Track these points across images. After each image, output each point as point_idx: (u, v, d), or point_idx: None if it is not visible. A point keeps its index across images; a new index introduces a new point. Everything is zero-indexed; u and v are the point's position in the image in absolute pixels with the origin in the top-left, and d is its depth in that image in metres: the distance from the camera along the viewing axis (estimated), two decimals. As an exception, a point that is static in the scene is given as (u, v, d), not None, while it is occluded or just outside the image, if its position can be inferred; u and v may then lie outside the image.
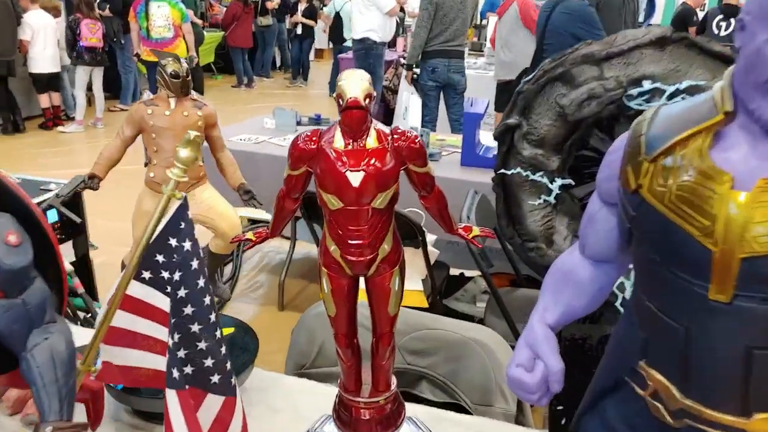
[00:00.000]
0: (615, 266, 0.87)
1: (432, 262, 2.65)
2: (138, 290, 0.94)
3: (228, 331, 1.40)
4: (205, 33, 9.94)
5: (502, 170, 1.09)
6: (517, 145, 1.06)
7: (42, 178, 3.17)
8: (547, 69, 1.06)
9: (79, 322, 2.80)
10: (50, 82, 7.19)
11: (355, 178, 0.98)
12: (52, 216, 2.99)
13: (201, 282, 0.92)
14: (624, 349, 0.79)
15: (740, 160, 0.67)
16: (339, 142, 1.00)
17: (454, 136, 3.88)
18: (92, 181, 1.50)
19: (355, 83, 0.95)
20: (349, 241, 1.03)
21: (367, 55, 6.34)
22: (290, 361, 1.78)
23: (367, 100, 0.96)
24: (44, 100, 7.26)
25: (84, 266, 3.12)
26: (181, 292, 0.91)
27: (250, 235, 1.17)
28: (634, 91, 0.99)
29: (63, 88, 7.54)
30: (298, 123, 3.92)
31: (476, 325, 1.64)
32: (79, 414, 0.91)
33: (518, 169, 1.08)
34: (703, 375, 0.71)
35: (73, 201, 3.05)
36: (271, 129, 3.84)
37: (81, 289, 2.87)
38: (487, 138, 3.42)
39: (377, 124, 1.01)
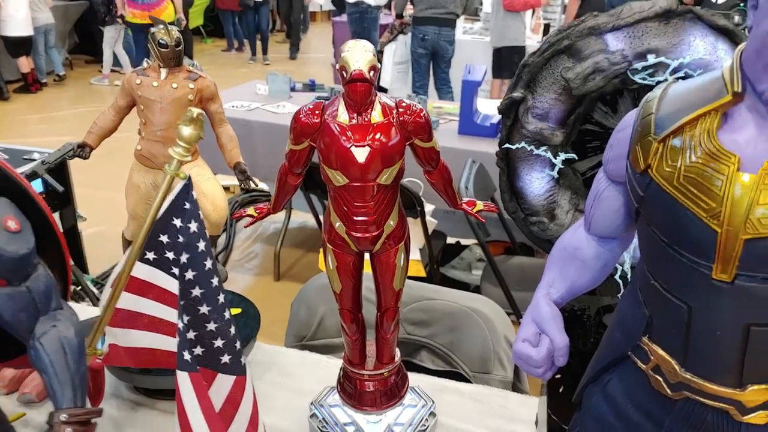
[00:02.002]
0: (619, 243, 0.87)
1: (430, 231, 2.66)
2: (142, 271, 0.93)
3: (236, 311, 1.39)
4: (193, -6, 9.70)
5: (507, 144, 1.08)
6: (521, 119, 1.05)
7: (25, 147, 3.11)
8: (553, 42, 1.04)
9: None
10: (24, 45, 7.00)
11: (361, 154, 0.96)
12: (38, 186, 2.94)
13: (208, 263, 0.91)
14: (628, 326, 0.80)
15: (747, 141, 0.66)
16: (343, 116, 0.97)
17: (451, 103, 3.84)
18: (83, 150, 1.44)
19: (359, 54, 0.91)
20: (355, 218, 1.01)
21: (362, 18, 6.23)
22: (291, 333, 1.79)
23: (372, 72, 0.93)
24: (24, 64, 7.09)
25: (72, 238, 3.09)
26: (189, 275, 0.90)
27: (251, 210, 1.16)
28: (638, 65, 0.97)
29: (36, 51, 7.31)
30: (292, 89, 3.87)
31: (475, 296, 1.65)
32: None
33: (522, 144, 1.07)
34: (703, 350, 0.73)
35: (60, 170, 3.01)
36: (264, 95, 3.78)
37: (71, 262, 2.86)
38: (484, 106, 3.40)
39: (382, 97, 0.99)
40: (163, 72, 1.37)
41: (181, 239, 0.89)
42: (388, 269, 1.07)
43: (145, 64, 1.45)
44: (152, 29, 1.36)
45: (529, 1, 5.44)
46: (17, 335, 0.86)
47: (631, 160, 0.75)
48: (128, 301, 0.95)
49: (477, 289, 2.85)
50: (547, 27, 6.74)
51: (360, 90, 0.93)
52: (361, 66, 0.91)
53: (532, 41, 6.27)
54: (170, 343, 0.97)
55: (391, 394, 1.17)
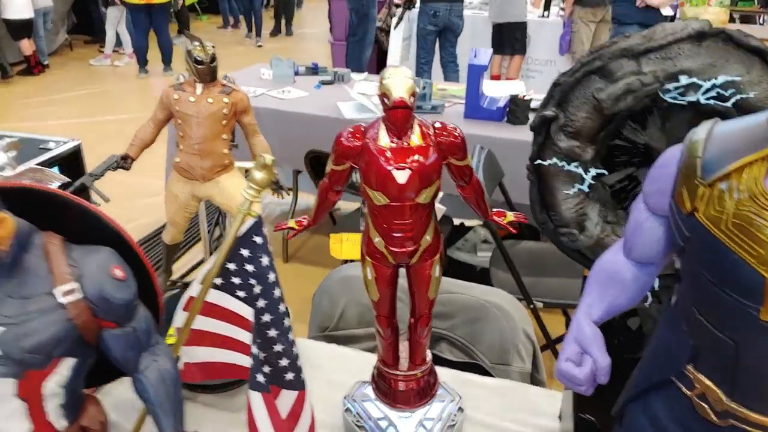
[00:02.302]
0: (657, 267, 0.90)
1: (438, 218, 2.70)
2: (211, 295, 1.01)
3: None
4: (188, -30, 9.56)
5: (539, 161, 1.12)
6: (553, 136, 1.09)
7: (41, 136, 3.15)
8: (585, 62, 1.07)
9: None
10: (25, 28, 6.99)
11: (401, 176, 1.01)
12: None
13: (277, 292, 0.99)
14: (672, 353, 0.83)
15: None
16: (384, 139, 1.02)
17: (456, 85, 3.85)
18: (125, 161, 1.48)
19: (401, 82, 0.96)
20: (394, 234, 1.07)
21: (361, -5, 6.17)
22: (313, 324, 1.85)
23: (412, 99, 0.97)
24: (26, 47, 7.09)
25: None
26: (261, 303, 0.99)
27: (291, 223, 1.21)
28: (670, 86, 1.01)
29: (36, 33, 7.32)
30: (296, 73, 3.87)
31: (494, 289, 1.70)
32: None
33: (554, 160, 1.11)
34: (749, 383, 0.75)
35: (75, 158, 3.06)
36: (268, 80, 3.78)
37: (162, 298, 2.90)
38: (490, 88, 3.40)
39: (419, 119, 1.03)
40: (199, 87, 1.40)
41: (251, 270, 0.95)
42: (424, 280, 1.12)
43: (180, 79, 1.47)
44: (188, 46, 1.38)
45: (530, -25, 5.40)
46: (124, 369, 0.94)
47: (677, 201, 0.77)
48: (198, 322, 1.01)
49: (483, 272, 2.90)
50: (548, 2, 6.70)
51: (401, 116, 0.97)
52: (402, 94, 0.95)
53: (533, 15, 6.25)
54: (238, 358, 1.04)
55: (423, 393, 1.23)
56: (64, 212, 0.90)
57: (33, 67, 7.22)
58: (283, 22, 9.88)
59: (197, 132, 1.35)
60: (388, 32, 6.96)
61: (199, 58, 1.36)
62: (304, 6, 11.72)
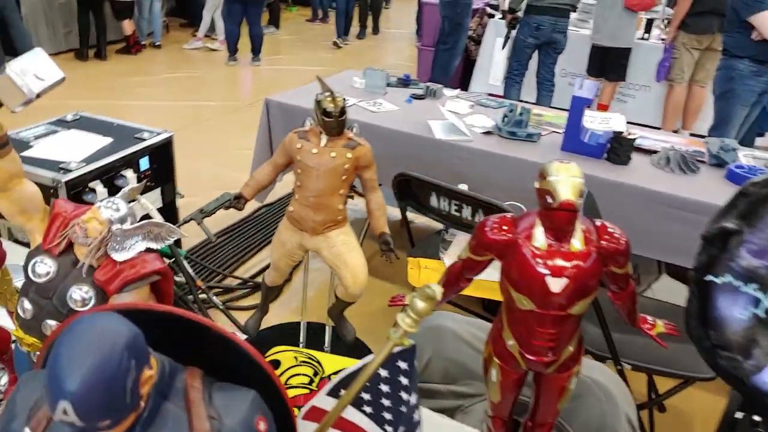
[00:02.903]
0: None
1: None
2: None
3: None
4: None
5: (710, 277, 0.99)
6: (731, 251, 0.96)
7: (135, 124, 3.21)
8: (782, 175, 0.94)
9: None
10: (129, 9, 7.26)
11: (556, 284, 0.90)
12: (144, 163, 3.05)
13: (416, 416, 0.93)
14: None
15: None
16: (540, 239, 0.92)
17: (552, 112, 3.69)
18: (238, 201, 1.39)
19: (568, 182, 0.85)
20: (533, 342, 0.96)
21: (456, 4, 6.03)
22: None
23: (580, 200, 0.86)
24: (128, 26, 7.35)
25: (170, 212, 3.21)
26: (401, 430, 0.93)
27: (409, 300, 1.12)
28: None
29: (139, 14, 7.65)
30: (388, 84, 3.80)
31: (597, 364, 1.57)
32: None
33: (729, 278, 0.98)
34: None
35: (165, 147, 3.10)
36: (359, 90, 3.73)
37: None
38: (590, 121, 3.23)
39: (581, 220, 0.92)
40: (324, 139, 1.30)
41: (383, 388, 0.88)
42: (556, 391, 1.02)
43: (307, 124, 1.38)
44: (317, 95, 1.29)
45: (650, 3, 5.12)
46: None
47: None
48: None
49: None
50: (649, 23, 6.39)
51: (566, 218, 0.86)
52: (570, 196, 0.85)
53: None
54: None
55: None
56: (206, 339, 0.81)
57: (131, 46, 7.46)
58: (368, 21, 9.82)
59: (315, 185, 1.27)
60: (477, 42, 6.83)
61: (328, 110, 1.25)
62: (394, 5, 11.67)
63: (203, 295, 2.99)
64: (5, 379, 1.08)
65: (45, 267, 0.90)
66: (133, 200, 0.97)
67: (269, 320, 2.38)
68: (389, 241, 1.28)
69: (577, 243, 0.89)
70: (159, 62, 7.54)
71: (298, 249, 1.34)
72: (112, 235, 0.89)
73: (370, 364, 0.83)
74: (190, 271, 2.95)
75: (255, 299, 3.22)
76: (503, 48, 5.40)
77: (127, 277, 0.89)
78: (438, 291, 0.78)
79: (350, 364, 1.41)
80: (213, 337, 0.79)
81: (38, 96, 1.00)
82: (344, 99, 1.27)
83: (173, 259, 2.97)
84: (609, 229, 0.90)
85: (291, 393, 1.36)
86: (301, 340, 1.49)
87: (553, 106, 5.07)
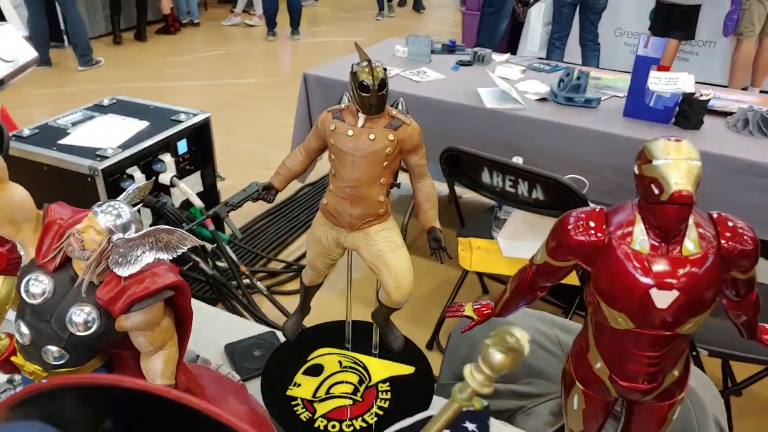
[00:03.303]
0: None
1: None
2: None
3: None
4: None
5: None
6: None
7: (172, 106, 3.11)
8: None
9: (207, 257, 2.79)
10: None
11: (663, 298, 0.70)
12: (183, 146, 2.95)
13: None
14: None
15: None
16: (641, 240, 0.71)
17: (611, 74, 3.41)
18: (268, 192, 1.16)
19: (682, 166, 0.63)
20: (628, 366, 0.77)
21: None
22: (447, 368, 1.62)
23: (696, 190, 0.65)
24: (165, 5, 7.29)
25: (211, 196, 3.12)
26: None
27: (469, 311, 0.94)
28: None
29: None
30: (433, 52, 3.58)
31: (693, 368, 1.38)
32: None
33: None
34: None
35: (204, 128, 2.99)
36: (402, 58, 3.53)
37: (211, 227, 2.85)
38: (655, 82, 2.95)
39: (696, 215, 0.71)
40: (361, 118, 1.07)
41: None
42: (653, 422, 0.83)
43: (345, 101, 1.14)
44: (354, 65, 1.07)
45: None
46: None
47: None
48: None
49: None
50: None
51: (676, 214, 0.65)
52: (685, 185, 0.63)
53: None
54: None
55: None
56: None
57: (170, 25, 7.41)
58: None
59: (351, 173, 1.06)
60: (525, 3, 6.46)
61: (365, 83, 1.01)
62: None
63: (247, 281, 2.90)
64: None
65: (40, 286, 0.77)
66: (139, 203, 0.82)
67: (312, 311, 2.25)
68: (440, 238, 1.06)
69: (690, 245, 0.68)
70: (198, 41, 7.46)
71: (335, 247, 1.17)
72: (113, 247, 0.74)
73: (432, 427, 0.66)
74: (233, 256, 2.87)
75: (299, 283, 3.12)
76: (530, 6, 5.07)
77: (134, 294, 0.75)
78: (526, 341, 0.58)
79: (400, 370, 1.26)
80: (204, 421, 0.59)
81: (2, 82, 0.86)
82: (385, 69, 1.06)
83: (216, 244, 2.89)
84: (730, 224, 0.68)
85: (333, 404, 1.23)
86: (347, 342, 1.33)
87: (602, 68, 4.75)
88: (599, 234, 0.70)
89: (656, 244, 0.68)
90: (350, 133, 1.06)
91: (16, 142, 2.57)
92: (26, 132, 2.67)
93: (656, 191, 0.65)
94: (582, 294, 1.00)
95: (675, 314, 0.68)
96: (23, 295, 0.77)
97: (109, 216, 0.74)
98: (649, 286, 0.67)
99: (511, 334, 0.59)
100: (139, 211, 0.79)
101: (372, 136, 1.05)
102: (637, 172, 0.67)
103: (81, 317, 0.75)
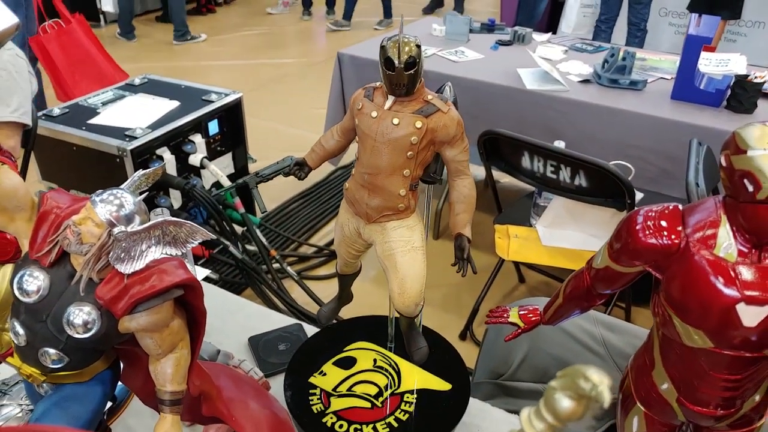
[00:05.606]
0: None
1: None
2: None
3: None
4: None
5: None
6: None
7: (203, 86, 3.05)
8: None
9: (237, 240, 2.73)
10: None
11: (752, 315, 0.59)
12: (214, 127, 2.90)
13: None
14: None
15: None
16: (727, 245, 0.59)
17: (657, 55, 3.23)
18: (301, 168, 1.04)
19: None
20: (701, 389, 0.67)
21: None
22: (483, 365, 1.53)
23: None
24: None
25: (242, 177, 3.07)
26: None
27: (515, 317, 0.84)
28: None
29: None
30: (471, 31, 3.45)
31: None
32: None
33: None
34: None
35: (235, 109, 2.93)
36: (440, 37, 3.40)
37: (242, 210, 2.80)
38: (706, 63, 2.78)
39: None
40: (390, 100, 0.94)
41: None
42: None
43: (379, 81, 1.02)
44: (383, 39, 0.97)
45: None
46: None
47: None
48: None
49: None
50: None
51: None
52: None
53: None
54: None
55: None
56: None
57: (202, 6, 7.37)
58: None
59: (370, 159, 0.94)
60: (567, -19, 6.22)
61: (391, 59, 0.89)
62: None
63: (277, 265, 2.84)
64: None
65: (35, 282, 0.69)
66: (145, 191, 0.74)
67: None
68: (465, 248, 0.91)
69: None
70: (231, 21, 7.40)
71: (357, 237, 1.07)
72: (114, 241, 0.67)
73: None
74: (263, 239, 2.81)
75: (330, 268, 3.04)
76: None
77: (138, 294, 0.67)
78: (606, 388, 0.46)
79: (435, 385, 1.16)
80: None
81: None
82: (417, 45, 0.94)
83: (246, 228, 2.84)
84: None
85: (350, 402, 1.14)
86: (389, 339, 1.24)
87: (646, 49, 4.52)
88: (673, 236, 0.59)
89: (745, 250, 0.57)
90: (374, 114, 0.95)
91: (46, 121, 2.55)
92: (56, 111, 2.65)
93: (750, 188, 0.54)
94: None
95: (763, 334, 0.58)
96: (16, 292, 0.70)
97: (109, 206, 0.67)
98: (735, 299, 0.57)
99: (587, 379, 0.48)
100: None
101: (396, 121, 0.94)
102: (725, 163, 0.56)
103: (80, 318, 0.68)
